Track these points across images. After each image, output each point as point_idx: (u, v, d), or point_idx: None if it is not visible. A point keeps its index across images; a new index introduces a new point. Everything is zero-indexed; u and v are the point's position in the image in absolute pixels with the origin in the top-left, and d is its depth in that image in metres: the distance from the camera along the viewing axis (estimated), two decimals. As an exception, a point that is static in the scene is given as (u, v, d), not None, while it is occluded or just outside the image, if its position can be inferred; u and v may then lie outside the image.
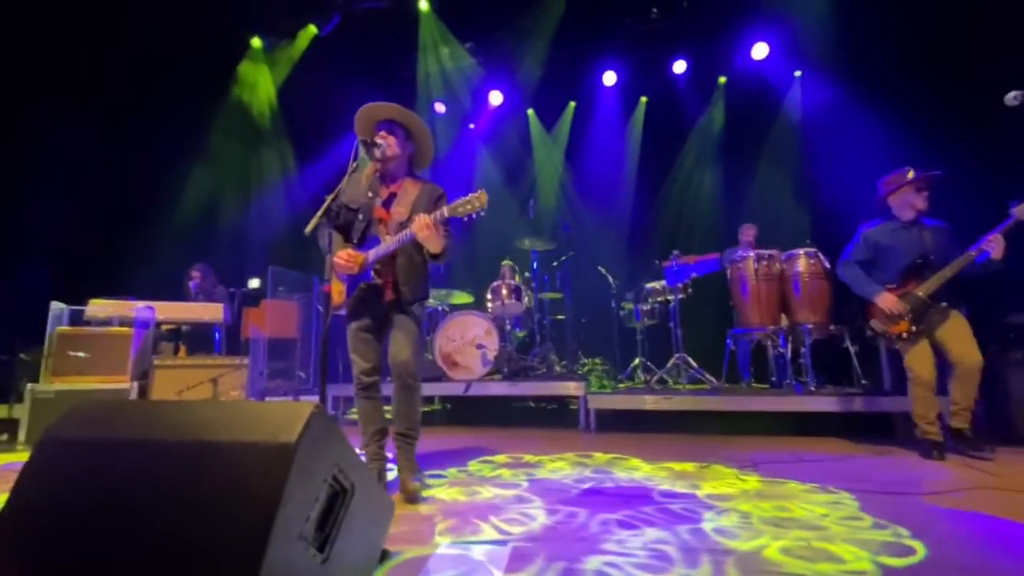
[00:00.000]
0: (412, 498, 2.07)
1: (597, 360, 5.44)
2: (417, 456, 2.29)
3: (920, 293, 2.80)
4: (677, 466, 2.65)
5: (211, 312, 4.37)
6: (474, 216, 2.01)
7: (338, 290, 2.24)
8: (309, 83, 6.55)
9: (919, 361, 2.85)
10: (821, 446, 3.14)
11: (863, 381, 3.79)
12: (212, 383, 3.79)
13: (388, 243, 2.16)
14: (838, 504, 1.97)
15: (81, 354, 3.73)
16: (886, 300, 2.87)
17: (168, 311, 4.27)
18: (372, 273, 2.19)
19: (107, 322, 4.06)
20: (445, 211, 2.04)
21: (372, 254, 2.19)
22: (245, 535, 0.99)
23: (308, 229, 1.73)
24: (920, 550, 1.51)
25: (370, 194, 2.29)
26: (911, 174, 2.96)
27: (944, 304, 2.80)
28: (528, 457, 2.97)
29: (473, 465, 2.79)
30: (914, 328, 2.82)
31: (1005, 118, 2.45)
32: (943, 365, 2.84)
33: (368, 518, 1.30)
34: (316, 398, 2.66)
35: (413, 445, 2.26)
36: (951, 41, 4.71)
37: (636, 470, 2.60)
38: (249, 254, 6.48)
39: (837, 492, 2.14)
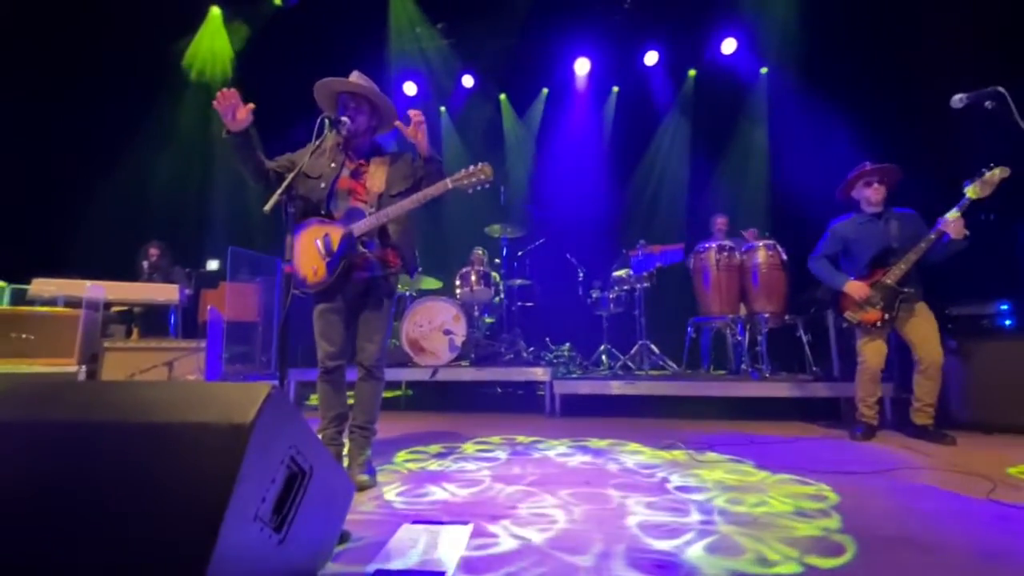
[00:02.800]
0: (359, 489, 2.03)
1: (564, 346, 5.51)
2: (393, 438, 2.27)
3: (888, 280, 2.91)
4: (668, 454, 2.68)
5: (166, 293, 4.19)
6: (479, 188, 2.14)
7: (312, 269, 2.13)
8: (271, 57, 6.27)
9: (871, 351, 2.99)
10: (778, 429, 3.27)
11: (814, 368, 3.98)
12: (167, 367, 3.64)
13: (377, 215, 2.13)
14: (816, 496, 2.07)
15: (24, 335, 3.53)
16: (853, 287, 2.98)
17: (119, 291, 4.07)
18: (360, 248, 2.12)
19: (52, 302, 3.85)
20: (449, 182, 2.14)
21: (358, 227, 2.12)
22: (198, 517, 0.98)
23: (267, 208, 1.67)
24: (854, 531, 1.60)
25: (332, 164, 2.23)
26: (870, 166, 3.09)
27: (912, 290, 2.91)
28: (495, 438, 3.00)
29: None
30: (886, 316, 2.91)
31: (956, 115, 2.57)
32: (907, 358, 3.00)
33: (327, 499, 1.29)
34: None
35: (369, 440, 2.23)
36: (907, 42, 4.91)
37: (612, 453, 2.67)
38: (207, 234, 6.23)
39: (815, 483, 2.07)
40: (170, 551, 0.97)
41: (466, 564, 1.36)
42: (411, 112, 2.15)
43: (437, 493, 2.01)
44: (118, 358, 3.68)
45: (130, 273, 4.92)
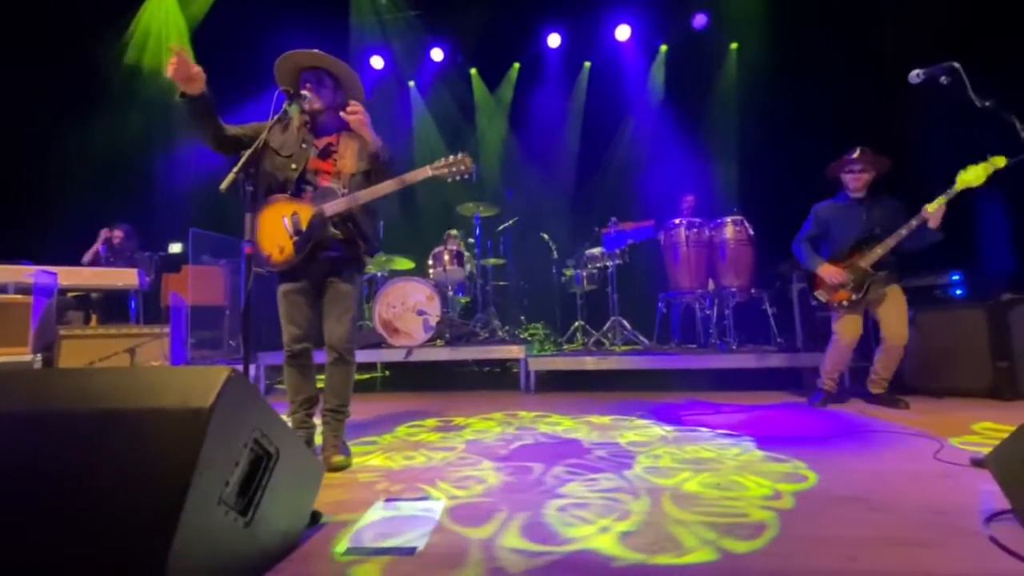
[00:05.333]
0: (334, 470, 2.03)
1: (539, 324, 5.55)
2: (362, 422, 2.27)
3: (862, 264, 2.99)
4: (660, 430, 2.73)
5: (124, 278, 4.03)
6: (458, 178, 2.13)
7: (279, 247, 2.10)
8: (228, 27, 5.97)
9: (846, 328, 3.07)
10: (745, 398, 3.39)
11: (779, 340, 4.12)
12: (129, 353, 3.53)
13: (355, 196, 2.08)
14: (743, 448, 2.17)
15: (-28, 325, 3.35)
16: (825, 270, 3.07)
17: (74, 277, 3.89)
18: (331, 229, 2.08)
19: (2, 289, 3.66)
20: (429, 170, 2.11)
21: (331, 207, 2.07)
22: (158, 504, 0.96)
23: (224, 186, 1.61)
24: (812, 478, 1.70)
25: (303, 144, 2.17)
26: (856, 154, 3.09)
27: (883, 273, 2.99)
28: (457, 419, 3.02)
29: (402, 430, 2.82)
30: (854, 297, 3.01)
31: (914, 92, 2.57)
32: (867, 331, 3.11)
33: (295, 481, 1.29)
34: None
35: (343, 422, 2.21)
36: (872, 21, 4.99)
37: (558, 424, 2.72)
38: (166, 215, 5.97)
39: (742, 438, 2.33)
40: (131, 539, 0.96)
41: (359, 535, 1.38)
42: (349, 109, 2.07)
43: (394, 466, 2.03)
44: (76, 346, 3.54)
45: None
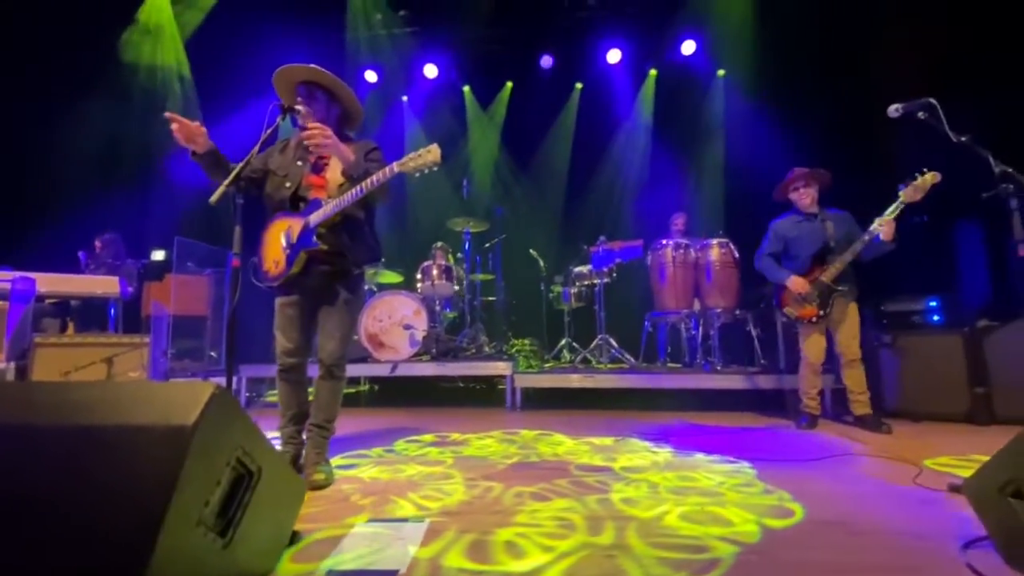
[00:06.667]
0: (315, 488, 2.00)
1: (526, 341, 5.54)
2: (344, 436, 2.24)
3: (824, 278, 3.07)
4: (655, 455, 2.54)
5: (104, 285, 3.94)
6: (426, 171, 1.98)
7: (274, 260, 2.12)
8: (223, 38, 5.98)
9: (811, 346, 3.16)
10: (729, 420, 3.40)
11: (762, 361, 4.16)
12: (106, 363, 3.44)
13: (331, 204, 2.05)
14: (737, 472, 2.17)
15: (-58, 331, 3.25)
16: (794, 282, 3.14)
17: (52, 283, 3.80)
18: (315, 239, 2.07)
19: (-24, 295, 3.55)
20: (395, 166, 1.99)
21: (313, 218, 2.07)
22: (136, 523, 0.94)
23: (214, 199, 1.60)
24: (799, 511, 1.70)
25: (299, 162, 2.19)
26: (795, 173, 3.26)
27: (845, 288, 3.07)
28: (455, 435, 3.00)
29: (399, 445, 2.78)
30: (821, 312, 3.08)
31: (892, 124, 2.70)
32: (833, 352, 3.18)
33: (276, 501, 1.26)
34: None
35: (327, 439, 2.19)
36: (854, 54, 5.18)
37: (559, 445, 2.71)
38: (153, 222, 5.88)
39: (737, 462, 2.35)
40: (107, 560, 0.93)
41: (339, 555, 1.36)
42: (305, 132, 2.01)
43: (406, 505, 2.00)
44: (51, 354, 3.45)
45: (75, 266, 4.62)
